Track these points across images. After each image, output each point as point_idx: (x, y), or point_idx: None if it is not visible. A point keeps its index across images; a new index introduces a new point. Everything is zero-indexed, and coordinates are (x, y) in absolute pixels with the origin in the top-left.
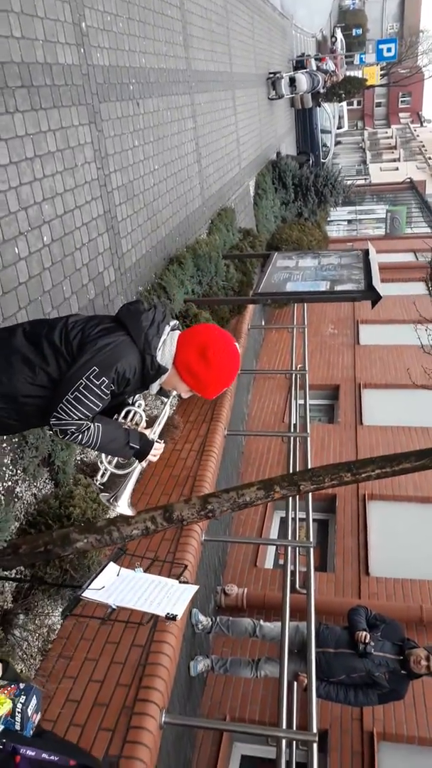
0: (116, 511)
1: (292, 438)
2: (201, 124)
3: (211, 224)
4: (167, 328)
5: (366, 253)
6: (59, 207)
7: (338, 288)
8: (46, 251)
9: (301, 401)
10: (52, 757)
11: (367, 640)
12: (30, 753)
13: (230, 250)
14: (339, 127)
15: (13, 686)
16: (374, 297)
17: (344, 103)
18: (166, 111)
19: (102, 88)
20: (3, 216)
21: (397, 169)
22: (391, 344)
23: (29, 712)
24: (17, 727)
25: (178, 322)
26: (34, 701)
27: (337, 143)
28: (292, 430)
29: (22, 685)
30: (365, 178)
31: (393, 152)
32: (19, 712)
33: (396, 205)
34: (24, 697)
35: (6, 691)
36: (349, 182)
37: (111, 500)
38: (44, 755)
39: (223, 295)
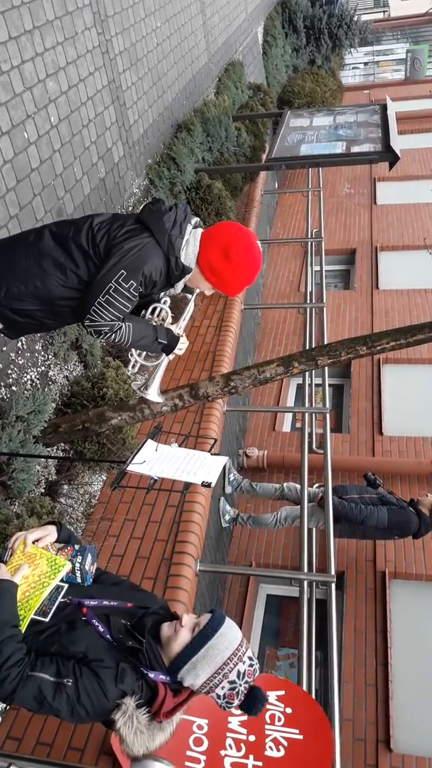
0: (147, 398)
1: (308, 308)
2: None
3: (219, 82)
4: (189, 227)
5: (384, 108)
6: (63, 83)
7: (354, 149)
8: (54, 132)
9: (317, 268)
10: (111, 603)
11: (376, 476)
12: (93, 603)
13: (240, 110)
14: None
15: (69, 548)
16: (392, 158)
17: None
18: None
19: None
20: (9, 99)
21: None
22: (409, 203)
23: (86, 566)
24: (78, 580)
25: (199, 219)
26: (89, 558)
27: None
28: (308, 299)
29: (77, 547)
30: (384, 11)
31: None
32: (78, 570)
33: (418, 42)
34: (80, 557)
35: (64, 554)
36: (365, 18)
37: (142, 389)
38: (105, 602)
39: (235, 162)
